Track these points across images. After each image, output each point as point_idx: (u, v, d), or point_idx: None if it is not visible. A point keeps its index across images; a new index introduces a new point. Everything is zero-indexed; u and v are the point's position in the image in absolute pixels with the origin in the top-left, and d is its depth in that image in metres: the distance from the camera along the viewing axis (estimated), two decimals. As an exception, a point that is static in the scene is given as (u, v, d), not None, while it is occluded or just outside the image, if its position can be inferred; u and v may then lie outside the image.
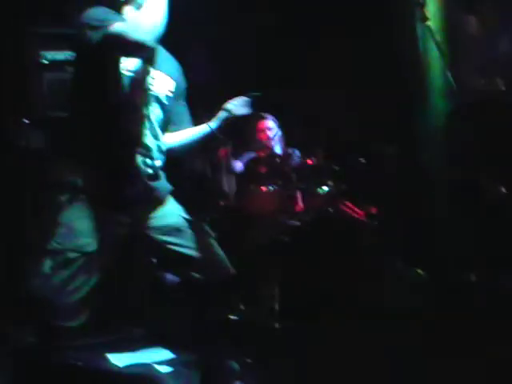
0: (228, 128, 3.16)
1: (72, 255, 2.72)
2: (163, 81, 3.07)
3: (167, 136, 3.16)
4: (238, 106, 3.16)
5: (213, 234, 3.19)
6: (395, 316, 4.29)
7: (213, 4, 4.73)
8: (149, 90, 2.99)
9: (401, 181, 4.97)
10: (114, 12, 2.86)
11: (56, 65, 4.12)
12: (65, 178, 2.87)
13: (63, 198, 2.82)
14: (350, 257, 4.73)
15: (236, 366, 3.19)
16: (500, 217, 3.82)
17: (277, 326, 4.35)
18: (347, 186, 4.98)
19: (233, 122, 3.17)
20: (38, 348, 2.77)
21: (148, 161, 2.98)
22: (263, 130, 5.32)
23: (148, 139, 2.99)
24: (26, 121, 4.10)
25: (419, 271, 4.62)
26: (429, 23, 3.42)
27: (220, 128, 3.16)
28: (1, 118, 4.37)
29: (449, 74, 3.37)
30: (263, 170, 5.00)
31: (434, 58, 3.95)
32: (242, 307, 4.54)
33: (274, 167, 4.96)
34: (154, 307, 4.22)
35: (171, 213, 3.09)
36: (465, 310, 3.84)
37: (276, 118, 5.35)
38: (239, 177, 5.14)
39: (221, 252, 3.16)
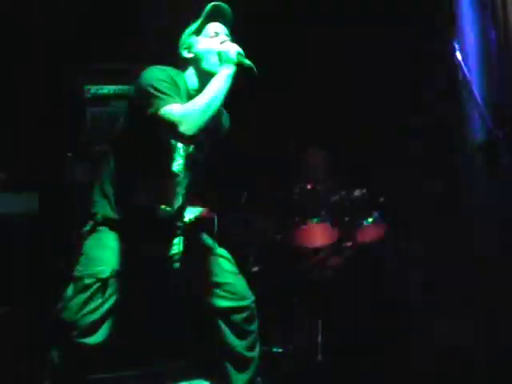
0: None
1: (88, 281, 2.93)
2: None
3: None
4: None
5: (233, 261, 3.19)
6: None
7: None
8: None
9: (443, 215, 4.87)
10: (176, 86, 2.94)
11: (99, 99, 4.22)
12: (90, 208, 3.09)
13: (87, 228, 3.05)
14: (396, 290, 4.68)
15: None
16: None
17: (320, 359, 4.32)
18: (393, 218, 4.92)
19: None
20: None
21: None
22: (311, 163, 5.31)
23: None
24: (70, 154, 4.21)
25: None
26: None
27: None
28: (46, 151, 4.49)
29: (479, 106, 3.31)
30: (309, 202, 4.99)
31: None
32: (286, 340, 4.54)
33: (319, 200, 4.94)
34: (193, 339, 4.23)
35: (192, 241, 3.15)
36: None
37: (324, 150, 5.33)
38: (284, 210, 5.12)
39: (242, 280, 3.20)
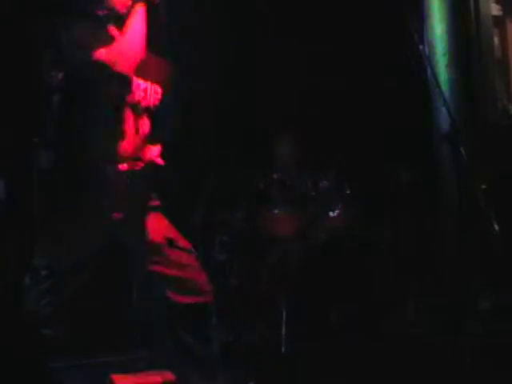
0: None
1: (45, 273, 2.87)
2: (151, 91, 3.09)
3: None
4: None
5: (195, 253, 3.13)
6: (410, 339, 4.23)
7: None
8: (137, 103, 3.03)
9: (412, 204, 4.90)
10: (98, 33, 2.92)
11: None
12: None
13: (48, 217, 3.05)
14: (361, 279, 4.69)
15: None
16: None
17: (283, 349, 4.32)
18: (359, 209, 4.92)
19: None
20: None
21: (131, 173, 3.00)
22: (277, 155, 5.27)
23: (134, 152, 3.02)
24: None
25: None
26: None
27: None
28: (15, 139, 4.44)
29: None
30: (275, 192, 4.97)
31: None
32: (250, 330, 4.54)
33: (286, 190, 4.93)
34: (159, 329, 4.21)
35: (152, 230, 3.06)
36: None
37: (290, 142, 5.29)
38: (252, 199, 5.10)
39: (202, 273, 3.11)
